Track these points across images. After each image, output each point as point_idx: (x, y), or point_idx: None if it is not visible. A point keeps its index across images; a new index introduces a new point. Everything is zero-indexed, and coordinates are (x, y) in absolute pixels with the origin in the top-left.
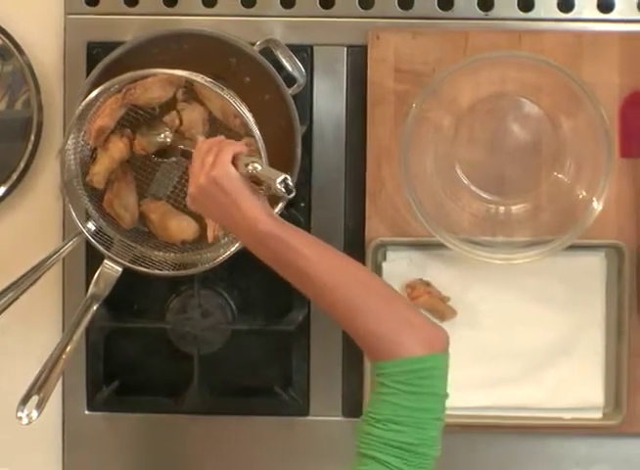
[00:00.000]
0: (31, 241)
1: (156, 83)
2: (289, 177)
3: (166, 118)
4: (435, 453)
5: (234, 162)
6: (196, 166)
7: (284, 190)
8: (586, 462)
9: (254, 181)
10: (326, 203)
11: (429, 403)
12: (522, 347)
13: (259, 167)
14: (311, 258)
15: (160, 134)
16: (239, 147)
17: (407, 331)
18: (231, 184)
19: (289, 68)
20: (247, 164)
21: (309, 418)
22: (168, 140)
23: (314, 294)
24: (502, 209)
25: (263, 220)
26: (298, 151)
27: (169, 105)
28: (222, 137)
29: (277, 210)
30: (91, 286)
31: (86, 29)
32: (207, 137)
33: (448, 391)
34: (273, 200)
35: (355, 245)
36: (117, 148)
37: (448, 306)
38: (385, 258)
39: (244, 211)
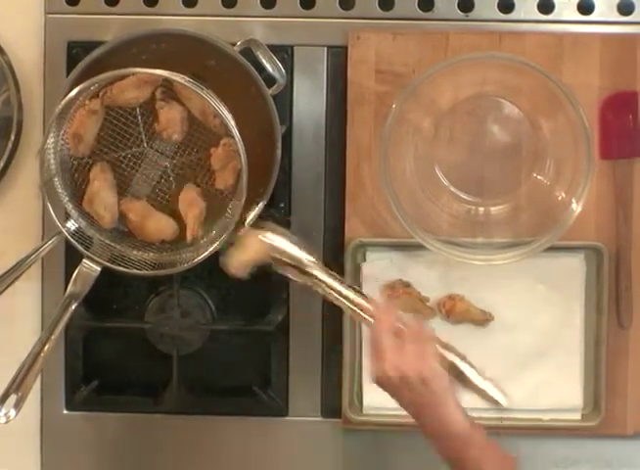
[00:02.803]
0: (11, 240)
1: (131, 84)
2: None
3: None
4: None
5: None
6: (388, 348)
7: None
8: (565, 463)
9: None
10: (306, 203)
11: None
12: (501, 348)
13: (470, 371)
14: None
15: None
16: (433, 333)
17: None
18: (438, 385)
19: (269, 68)
20: (443, 353)
21: (288, 418)
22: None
23: None
24: (482, 210)
25: (459, 422)
26: (278, 151)
27: (148, 105)
28: (399, 311)
29: (253, 214)
30: (70, 285)
31: (66, 29)
32: (185, 136)
33: None
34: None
35: (335, 245)
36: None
37: (427, 307)
38: (364, 259)
39: (442, 412)
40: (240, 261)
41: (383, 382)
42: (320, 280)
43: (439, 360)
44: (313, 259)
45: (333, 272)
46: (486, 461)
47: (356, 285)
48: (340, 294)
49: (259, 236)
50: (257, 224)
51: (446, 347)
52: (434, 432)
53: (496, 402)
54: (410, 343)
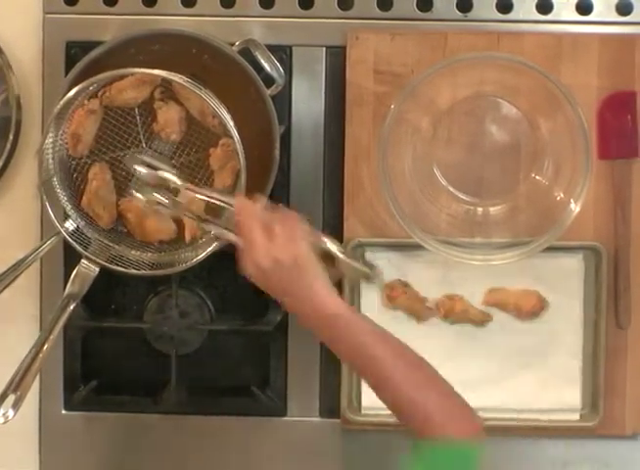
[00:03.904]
0: (9, 240)
1: (129, 84)
2: (374, 264)
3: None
4: None
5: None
6: (258, 235)
7: (371, 274)
8: (563, 463)
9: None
10: (304, 203)
11: None
12: (499, 348)
13: (341, 256)
14: (374, 346)
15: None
16: (302, 219)
17: (452, 417)
18: (309, 264)
19: (267, 68)
20: (313, 239)
21: (287, 419)
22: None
23: (373, 379)
24: (480, 210)
25: (332, 303)
26: (277, 151)
27: (147, 105)
28: (264, 199)
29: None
30: (68, 285)
31: (65, 29)
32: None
33: None
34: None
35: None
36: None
37: (426, 307)
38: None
39: (314, 292)
40: None
41: (254, 272)
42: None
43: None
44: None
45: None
46: (376, 347)
47: (355, 285)
48: (201, 194)
49: None
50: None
51: (313, 230)
52: (311, 317)
53: (367, 276)
54: (279, 226)
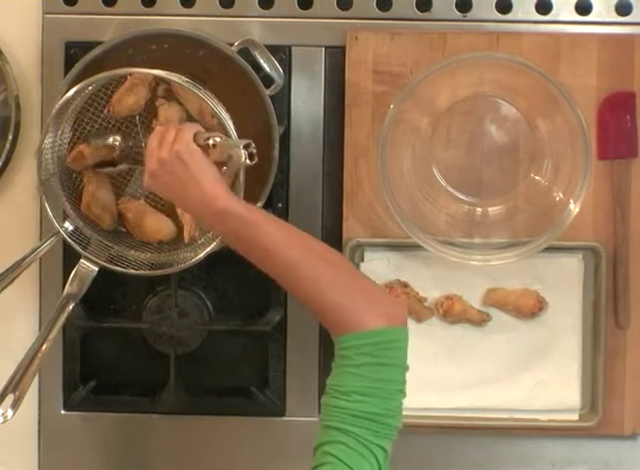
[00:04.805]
0: (9, 240)
1: (125, 91)
2: (252, 143)
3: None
4: (398, 424)
5: (194, 139)
6: (153, 144)
7: (247, 156)
8: (562, 463)
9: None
10: (303, 203)
11: (392, 375)
12: (498, 348)
13: (218, 139)
14: (272, 234)
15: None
16: (197, 126)
17: (370, 305)
18: (193, 157)
19: (267, 68)
20: (206, 139)
21: (285, 418)
22: (117, 143)
23: (276, 271)
24: (479, 210)
25: (223, 197)
26: (276, 151)
27: (147, 105)
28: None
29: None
30: (67, 285)
31: (64, 29)
32: None
33: (425, 391)
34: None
35: (333, 245)
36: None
37: (425, 307)
38: (362, 259)
39: (203, 187)
40: None
41: (147, 180)
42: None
43: (199, 143)
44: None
45: None
46: (280, 246)
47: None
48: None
49: None
50: None
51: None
52: (204, 214)
53: (237, 158)
54: (169, 132)
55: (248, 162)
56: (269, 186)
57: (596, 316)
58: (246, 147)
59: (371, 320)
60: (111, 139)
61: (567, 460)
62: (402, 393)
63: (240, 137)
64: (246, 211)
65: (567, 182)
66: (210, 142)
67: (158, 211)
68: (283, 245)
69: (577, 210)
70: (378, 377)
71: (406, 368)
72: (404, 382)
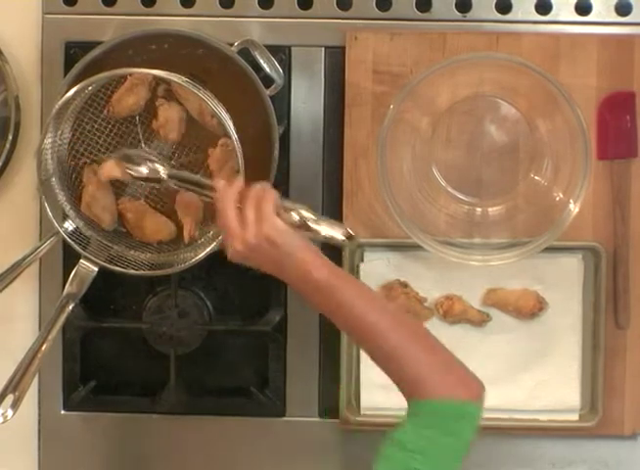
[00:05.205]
0: (8, 240)
1: (124, 91)
2: (348, 229)
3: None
4: None
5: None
6: (232, 223)
7: (346, 239)
8: (562, 463)
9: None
10: (303, 203)
11: (458, 446)
12: (498, 348)
13: (306, 214)
14: (362, 303)
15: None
16: (273, 193)
17: (449, 377)
18: (283, 239)
19: (267, 68)
20: (287, 210)
21: (285, 419)
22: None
23: (361, 338)
24: (479, 210)
25: (317, 269)
26: (276, 152)
27: (147, 105)
28: (241, 181)
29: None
30: (67, 285)
31: (64, 29)
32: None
33: None
34: None
35: (333, 246)
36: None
37: (425, 307)
38: (362, 259)
39: (297, 262)
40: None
41: (236, 259)
42: (170, 175)
43: (282, 217)
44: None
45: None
46: (370, 313)
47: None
48: (183, 180)
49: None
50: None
51: (285, 203)
52: (300, 283)
53: (342, 239)
54: (248, 210)
55: (346, 241)
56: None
57: (596, 316)
58: (344, 234)
59: (449, 391)
60: (147, 169)
61: (567, 460)
62: (460, 464)
63: (240, 137)
64: (339, 283)
65: (566, 182)
66: (295, 218)
67: (157, 211)
68: (371, 313)
69: (577, 210)
70: (444, 444)
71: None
72: (465, 455)
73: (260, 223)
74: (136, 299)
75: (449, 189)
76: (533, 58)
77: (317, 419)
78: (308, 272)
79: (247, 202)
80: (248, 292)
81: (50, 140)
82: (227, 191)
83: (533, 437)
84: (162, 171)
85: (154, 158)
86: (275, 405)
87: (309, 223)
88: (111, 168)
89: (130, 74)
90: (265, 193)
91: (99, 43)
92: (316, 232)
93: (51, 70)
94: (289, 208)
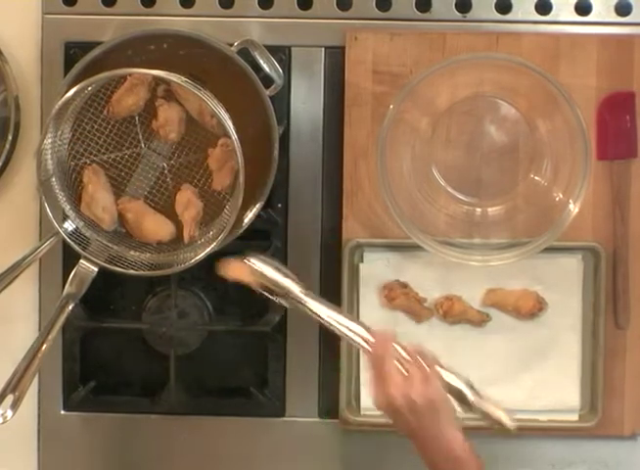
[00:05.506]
0: (8, 240)
1: (124, 91)
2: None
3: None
4: None
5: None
6: (397, 375)
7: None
8: (562, 464)
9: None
10: (303, 204)
11: None
12: (498, 348)
13: (476, 391)
14: None
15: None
16: (434, 355)
17: None
18: (444, 408)
19: (266, 68)
20: (446, 385)
21: (285, 419)
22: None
23: None
24: (479, 210)
25: (461, 447)
26: (276, 152)
27: (147, 105)
28: (395, 333)
29: (251, 214)
30: (66, 286)
31: (64, 29)
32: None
33: None
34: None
35: (332, 246)
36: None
37: (425, 308)
38: (362, 260)
39: (443, 435)
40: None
41: (385, 406)
42: (313, 311)
43: (442, 384)
44: (305, 290)
45: (324, 300)
46: None
47: (354, 286)
48: (335, 321)
49: (245, 261)
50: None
51: (447, 369)
52: (434, 455)
53: (502, 424)
54: (414, 367)
55: (512, 428)
56: (269, 186)
57: (596, 317)
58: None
59: None
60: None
61: (566, 461)
62: None
63: (239, 137)
64: (471, 455)
65: (566, 182)
66: (456, 387)
67: (157, 211)
68: None
69: (577, 210)
70: None
71: None
72: None
73: (427, 384)
74: (136, 299)
75: (449, 189)
76: (533, 58)
77: (317, 419)
78: (450, 448)
79: (411, 357)
80: (247, 292)
81: (50, 140)
82: (387, 340)
83: (533, 437)
84: (298, 291)
85: (292, 275)
86: (275, 406)
87: (469, 396)
88: (239, 270)
89: (130, 75)
90: (429, 356)
91: (99, 43)
92: (474, 407)
93: (51, 71)
94: (447, 376)
